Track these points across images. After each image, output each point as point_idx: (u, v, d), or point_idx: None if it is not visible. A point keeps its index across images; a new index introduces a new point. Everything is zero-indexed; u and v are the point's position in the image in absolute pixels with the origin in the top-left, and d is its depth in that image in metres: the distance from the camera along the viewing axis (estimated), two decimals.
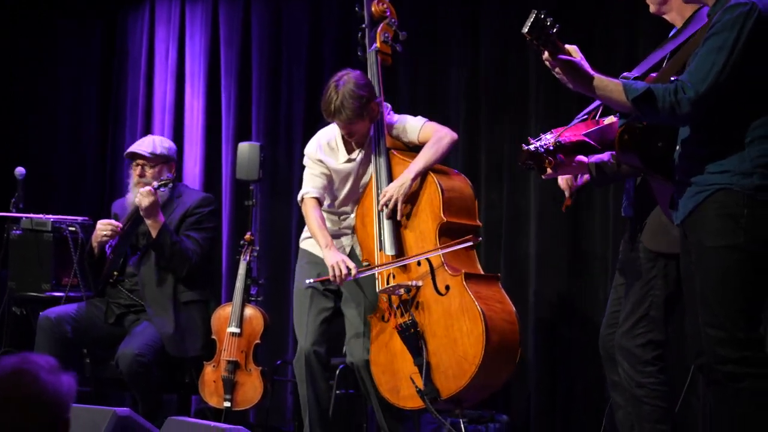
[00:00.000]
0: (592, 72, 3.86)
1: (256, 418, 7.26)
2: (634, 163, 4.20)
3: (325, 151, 5.72)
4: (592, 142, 4.49)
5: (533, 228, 6.78)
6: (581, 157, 4.49)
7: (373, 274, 5.43)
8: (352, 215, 5.69)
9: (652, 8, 4.64)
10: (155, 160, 6.33)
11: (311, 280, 5.55)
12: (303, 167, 5.86)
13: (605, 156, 4.47)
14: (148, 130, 8.07)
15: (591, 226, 6.67)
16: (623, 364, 4.62)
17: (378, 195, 5.46)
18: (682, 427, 5.36)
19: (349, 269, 5.38)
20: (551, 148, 4.34)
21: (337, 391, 5.77)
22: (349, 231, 5.72)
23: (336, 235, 5.70)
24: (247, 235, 6.51)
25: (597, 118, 4.76)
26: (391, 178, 5.47)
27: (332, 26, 7.61)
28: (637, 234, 4.67)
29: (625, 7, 6.32)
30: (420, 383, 5.16)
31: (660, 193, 4.27)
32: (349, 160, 5.68)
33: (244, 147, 6.90)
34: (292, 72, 7.73)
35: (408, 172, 5.43)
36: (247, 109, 7.87)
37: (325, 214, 5.69)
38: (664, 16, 4.63)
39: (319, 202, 5.68)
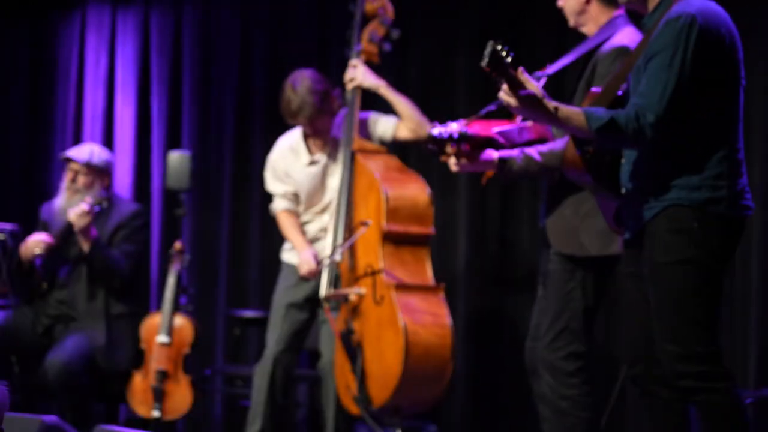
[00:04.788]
0: (551, 102, 3.85)
1: (185, 428, 7.22)
2: (586, 181, 4.20)
3: (288, 156, 5.79)
4: (502, 140, 4.50)
5: (462, 238, 6.79)
6: (490, 152, 4.49)
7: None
8: (325, 217, 5.74)
9: (571, 21, 4.72)
10: (89, 169, 6.32)
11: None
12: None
13: (515, 152, 4.49)
14: (78, 138, 8.02)
15: (519, 236, 6.69)
16: (545, 377, 4.65)
17: (341, 198, 5.49)
18: None
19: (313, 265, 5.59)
20: (455, 136, 4.36)
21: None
22: (325, 234, 5.75)
23: (312, 240, 5.78)
24: (177, 244, 6.50)
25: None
26: (350, 187, 5.48)
27: (262, 34, 7.57)
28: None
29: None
30: (355, 390, 5.23)
31: (603, 205, 4.30)
32: (312, 162, 5.72)
33: (174, 156, 6.85)
34: (223, 80, 7.71)
35: (379, 81, 5.60)
36: (177, 118, 7.81)
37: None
38: (581, 29, 4.71)
39: (291, 212, 5.82)
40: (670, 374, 3.85)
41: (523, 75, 3.77)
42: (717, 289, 3.85)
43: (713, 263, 3.82)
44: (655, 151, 3.84)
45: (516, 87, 3.78)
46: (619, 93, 3.96)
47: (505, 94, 3.82)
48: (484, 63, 3.71)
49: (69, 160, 6.35)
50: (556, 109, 3.81)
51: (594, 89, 4.17)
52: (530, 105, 3.81)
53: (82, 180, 6.31)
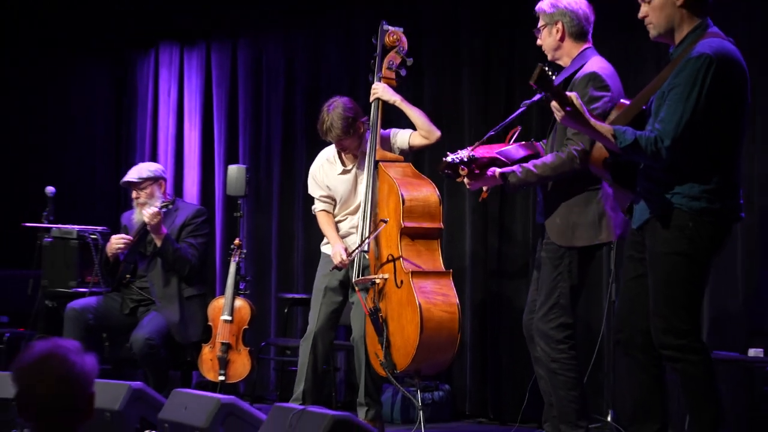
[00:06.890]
0: (590, 118, 4.07)
1: (245, 389, 7.64)
2: (606, 177, 4.46)
3: (326, 166, 6.06)
4: (503, 159, 4.80)
5: (468, 233, 7.18)
6: (493, 169, 4.78)
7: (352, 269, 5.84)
8: (355, 217, 5.99)
9: (549, 56, 5.02)
10: (144, 182, 6.75)
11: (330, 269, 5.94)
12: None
13: (515, 168, 4.77)
14: (154, 157, 8.50)
15: (514, 232, 7.10)
16: (540, 344, 4.91)
17: (366, 200, 5.74)
18: (590, 392, 5.82)
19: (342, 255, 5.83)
20: (465, 160, 4.65)
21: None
22: (355, 230, 5.98)
23: (344, 235, 6.05)
24: (236, 241, 6.98)
25: (511, 140, 5.13)
26: (375, 191, 5.73)
27: (303, 72, 8.11)
28: (545, 236, 4.97)
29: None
30: (382, 357, 5.52)
31: (619, 197, 4.57)
32: (345, 171, 5.99)
33: (233, 169, 7.35)
34: (271, 108, 8.20)
35: (396, 96, 5.82)
36: (234, 138, 8.31)
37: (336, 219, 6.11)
38: (558, 62, 4.99)
39: (328, 212, 6.08)
40: (656, 343, 4.10)
41: (567, 95, 4.06)
42: (703, 278, 4.13)
43: (702, 257, 4.08)
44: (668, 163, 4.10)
45: (559, 100, 4.03)
46: (644, 107, 4.25)
47: (554, 109, 4.09)
48: (532, 80, 3.93)
49: (128, 183, 6.81)
50: (593, 124, 4.06)
51: (623, 101, 4.44)
52: (573, 118, 4.08)
53: (143, 194, 6.74)
